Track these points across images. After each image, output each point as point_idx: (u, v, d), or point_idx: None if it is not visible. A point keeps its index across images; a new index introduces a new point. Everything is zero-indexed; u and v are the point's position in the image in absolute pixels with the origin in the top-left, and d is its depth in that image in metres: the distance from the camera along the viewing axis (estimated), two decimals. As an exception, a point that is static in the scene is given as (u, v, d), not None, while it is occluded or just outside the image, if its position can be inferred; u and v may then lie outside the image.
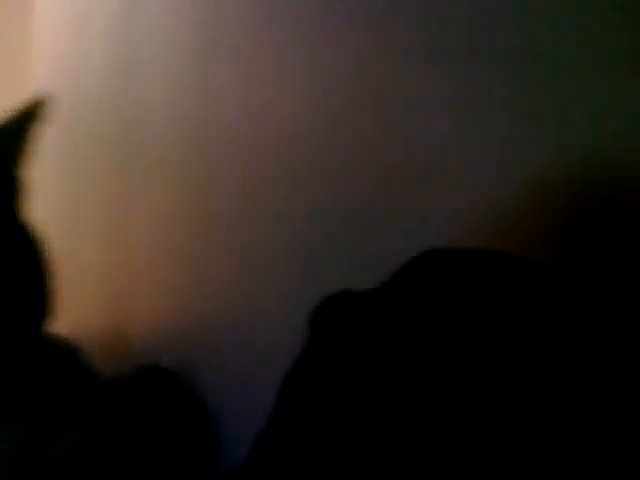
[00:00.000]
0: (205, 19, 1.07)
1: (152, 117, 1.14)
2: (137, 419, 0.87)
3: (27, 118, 0.52)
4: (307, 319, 0.47)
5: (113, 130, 1.20)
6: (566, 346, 0.39)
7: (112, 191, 1.21)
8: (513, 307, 0.43)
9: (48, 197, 1.28)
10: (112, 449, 0.83)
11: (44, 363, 0.48)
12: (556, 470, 0.36)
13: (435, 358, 0.42)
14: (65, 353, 0.70)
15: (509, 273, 0.47)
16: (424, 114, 0.65)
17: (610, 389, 0.37)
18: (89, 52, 1.33)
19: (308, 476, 0.41)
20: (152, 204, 1.14)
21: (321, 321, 0.46)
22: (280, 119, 0.94)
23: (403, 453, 0.39)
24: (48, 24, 1.56)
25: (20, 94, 1.33)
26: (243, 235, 0.97)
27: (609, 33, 0.47)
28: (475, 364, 0.41)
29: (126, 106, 1.19)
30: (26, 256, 0.50)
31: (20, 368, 0.46)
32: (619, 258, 0.48)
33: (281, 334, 0.87)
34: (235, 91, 1.00)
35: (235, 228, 0.98)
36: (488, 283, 0.45)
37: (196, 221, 1.04)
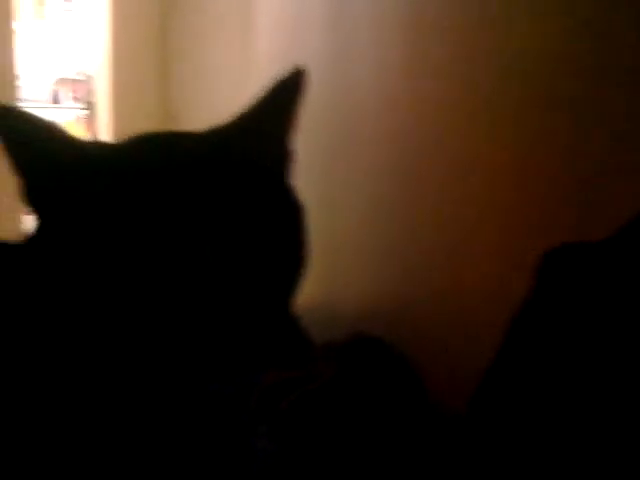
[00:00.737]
0: (413, 4, 1.09)
1: (362, 99, 1.19)
2: (352, 380, 0.93)
3: (288, 89, 0.52)
4: (536, 268, 0.47)
5: (326, 112, 1.26)
6: None
7: (324, 170, 1.28)
8: None
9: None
10: (331, 408, 0.90)
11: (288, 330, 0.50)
12: None
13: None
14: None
15: None
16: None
17: None
18: (305, 39, 1.41)
19: (534, 416, 0.41)
20: (361, 185, 1.20)
21: (550, 270, 0.46)
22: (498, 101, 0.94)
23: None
24: (267, 15, 1.66)
25: (244, 82, 1.43)
26: (438, 215, 1.00)
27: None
28: None
29: (339, 90, 1.26)
30: (294, 229, 0.50)
31: (270, 330, 0.47)
32: None
33: (485, 308, 0.89)
34: (444, 72, 1.01)
35: (435, 206, 1.01)
36: None
37: (400, 201, 1.08)
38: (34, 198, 0.46)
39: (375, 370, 0.95)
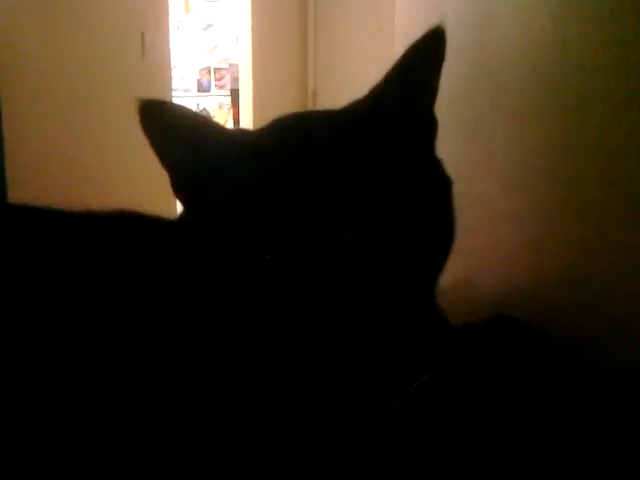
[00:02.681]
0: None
1: (506, 68, 1.15)
2: (489, 364, 0.93)
3: (428, 52, 0.47)
4: None
5: (467, 81, 1.24)
6: None
7: (464, 140, 1.26)
8: None
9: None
10: (464, 390, 0.91)
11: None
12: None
13: None
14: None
15: None
16: None
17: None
18: (446, 7, 1.39)
19: None
20: (502, 156, 1.16)
21: None
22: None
23: None
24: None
25: (382, 59, 1.45)
26: (592, 194, 0.95)
27: None
28: None
29: (480, 57, 1.23)
30: (444, 206, 0.47)
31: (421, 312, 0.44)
32: None
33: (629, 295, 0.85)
34: (594, 39, 0.95)
35: (583, 186, 0.96)
36: None
37: (545, 174, 1.04)
38: (183, 190, 0.46)
39: (516, 350, 0.94)
